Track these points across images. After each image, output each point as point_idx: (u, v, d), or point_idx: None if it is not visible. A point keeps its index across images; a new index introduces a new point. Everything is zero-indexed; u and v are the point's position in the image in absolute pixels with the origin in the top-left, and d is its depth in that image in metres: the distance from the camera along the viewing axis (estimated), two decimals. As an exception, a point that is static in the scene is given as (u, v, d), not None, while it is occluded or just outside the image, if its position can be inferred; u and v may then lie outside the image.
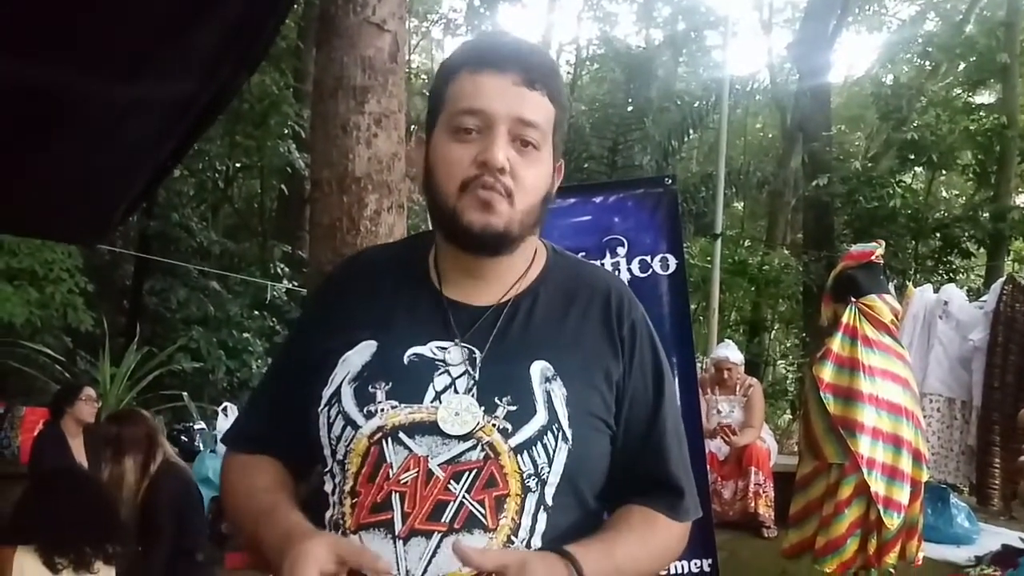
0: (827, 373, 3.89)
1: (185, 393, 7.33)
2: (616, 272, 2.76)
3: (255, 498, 1.08)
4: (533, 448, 1.00)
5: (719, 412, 5.72)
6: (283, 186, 10.97)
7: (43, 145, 3.11)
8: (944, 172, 13.35)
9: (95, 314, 7.45)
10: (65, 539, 2.54)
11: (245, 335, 9.06)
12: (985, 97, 13.77)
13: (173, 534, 3.26)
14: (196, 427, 6.08)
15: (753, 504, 5.39)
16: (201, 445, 5.68)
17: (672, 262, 2.82)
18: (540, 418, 1.01)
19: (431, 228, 1.16)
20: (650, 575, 1.10)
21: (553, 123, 1.08)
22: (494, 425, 1.00)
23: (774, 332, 16.02)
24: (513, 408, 1.01)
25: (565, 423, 1.02)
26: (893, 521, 3.71)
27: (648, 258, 2.82)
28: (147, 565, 3.16)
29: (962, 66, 13.59)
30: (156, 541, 3.25)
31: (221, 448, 2.43)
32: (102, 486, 2.98)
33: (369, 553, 0.94)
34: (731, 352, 6.00)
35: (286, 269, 10.13)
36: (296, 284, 9.67)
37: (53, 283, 7.04)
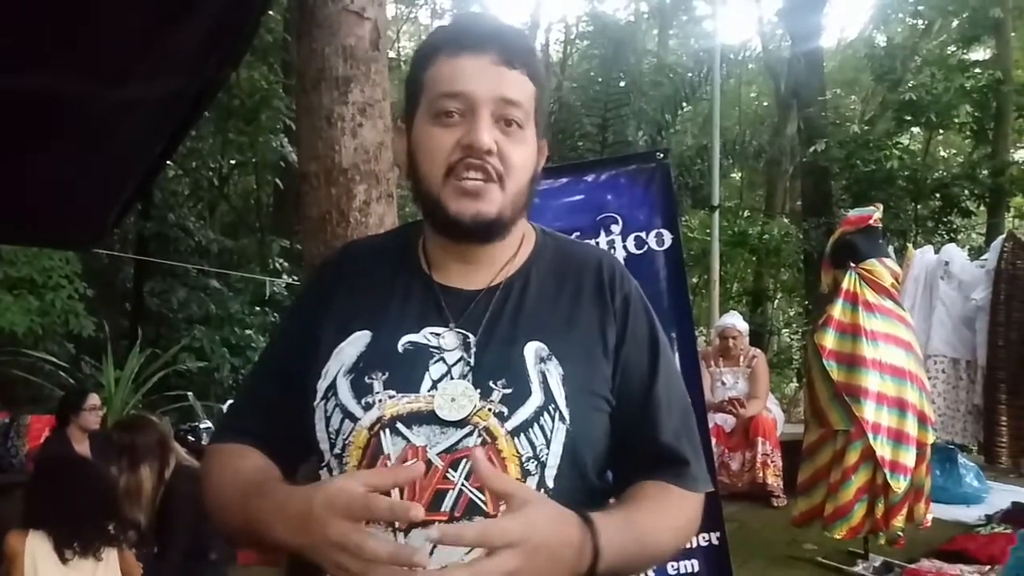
0: (829, 340, 3.90)
1: (190, 393, 7.35)
2: (612, 250, 2.74)
3: (242, 476, 1.04)
4: (530, 430, 0.99)
5: (724, 384, 5.73)
6: (278, 180, 10.93)
7: (32, 152, 3.09)
8: (941, 131, 13.28)
9: (96, 319, 7.46)
10: (68, 526, 2.66)
11: (247, 332, 9.07)
12: (979, 53, 13.67)
13: (189, 536, 3.28)
14: (203, 426, 6.08)
15: (761, 474, 5.41)
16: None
17: (668, 237, 2.79)
18: (536, 399, 1.00)
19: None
20: (675, 548, 1.07)
21: (535, 102, 1.07)
22: (490, 409, 0.99)
23: (777, 301, 16.00)
24: (508, 391, 1.00)
25: (562, 403, 1.00)
26: (900, 484, 3.72)
27: (643, 234, 2.80)
28: (163, 567, 3.19)
29: (955, 23, 13.49)
30: (172, 543, 3.27)
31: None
32: (99, 469, 3.05)
33: (398, 468, 0.93)
34: (736, 320, 6.01)
35: (285, 264, 10.13)
36: (296, 279, 9.66)
37: (53, 290, 7.05)
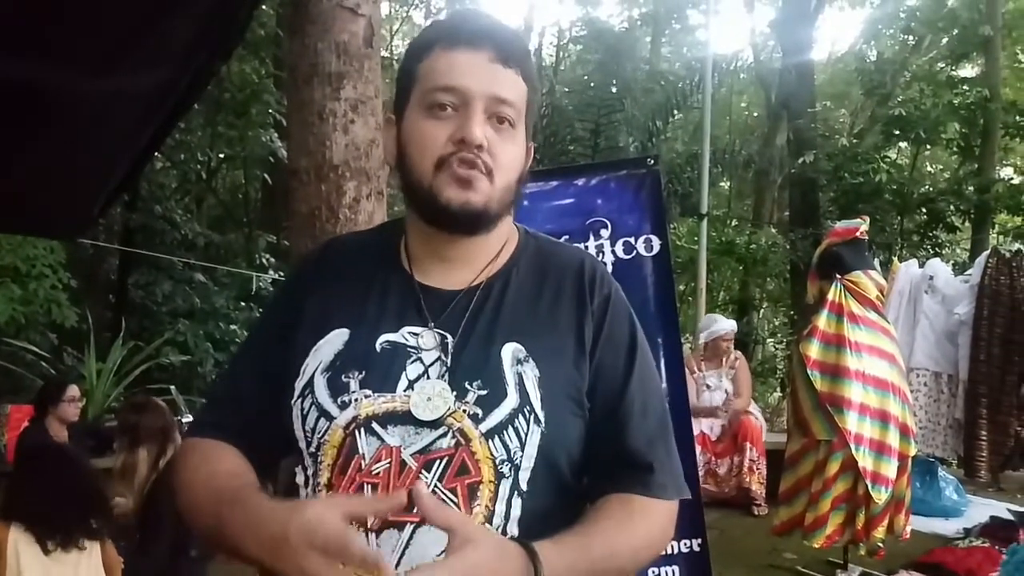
0: (814, 350, 3.91)
1: (173, 387, 7.29)
2: (600, 255, 2.75)
3: (216, 480, 1.02)
4: (504, 433, 0.98)
5: (709, 387, 5.80)
6: (266, 175, 10.87)
7: (19, 139, 3.06)
8: (929, 147, 13.38)
9: (80, 310, 7.38)
10: (50, 518, 2.62)
11: (232, 327, 9.01)
12: (968, 70, 13.79)
13: (172, 529, 3.26)
14: (185, 420, 6.04)
15: (748, 479, 5.46)
16: (190, 438, 5.65)
17: (656, 243, 2.80)
18: (511, 402, 0.99)
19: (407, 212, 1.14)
20: (642, 561, 1.04)
21: (526, 103, 1.07)
22: (464, 411, 0.99)
23: (762, 311, 16.07)
24: (483, 392, 0.99)
25: (537, 405, 1.00)
26: (881, 496, 3.74)
27: (632, 240, 2.80)
28: (144, 559, 3.15)
29: (945, 40, 13.61)
30: (156, 534, 3.24)
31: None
32: (81, 460, 3.02)
33: (378, 500, 0.93)
34: (730, 324, 6.10)
35: (271, 259, 10.08)
36: (282, 274, 9.61)
37: (36, 279, 6.97)
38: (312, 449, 1.02)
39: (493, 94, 1.02)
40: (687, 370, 5.66)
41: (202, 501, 1.02)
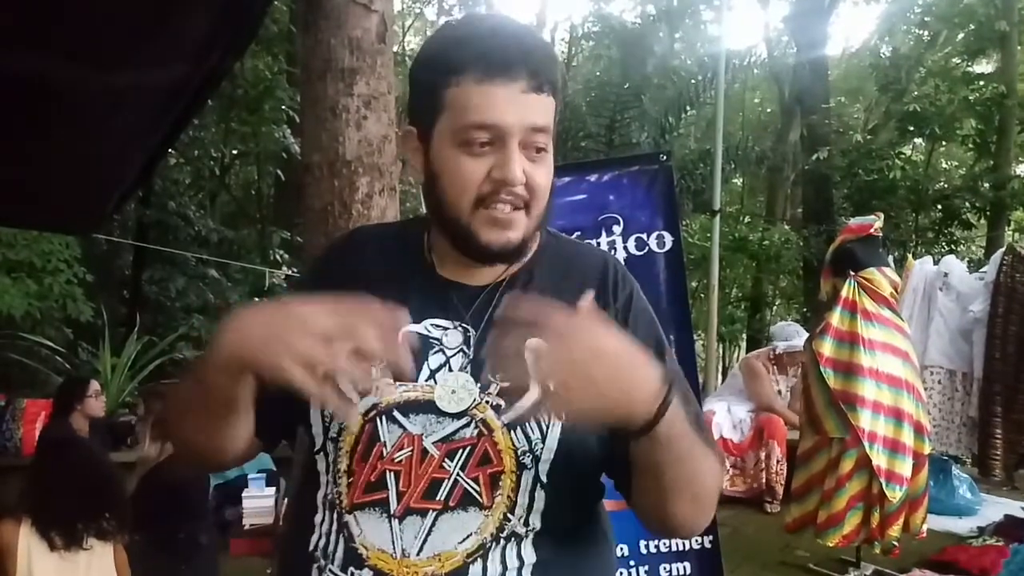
0: (827, 348, 3.89)
1: (187, 382, 7.32)
2: (612, 251, 2.75)
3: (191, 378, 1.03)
4: (526, 424, 1.00)
5: (779, 393, 5.95)
6: (279, 171, 10.90)
7: (34, 135, 3.09)
8: (944, 143, 13.29)
9: (95, 304, 7.43)
10: (55, 513, 2.60)
11: (246, 322, 9.04)
12: (984, 66, 13.67)
13: (180, 516, 3.29)
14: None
15: (773, 478, 5.51)
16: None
17: (668, 239, 2.79)
18: (533, 394, 1.00)
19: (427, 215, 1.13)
20: (708, 483, 1.00)
21: (554, 117, 1.06)
22: (487, 402, 1.00)
23: (775, 308, 16.01)
24: (506, 385, 1.00)
25: None
26: (895, 494, 3.72)
27: (644, 236, 2.80)
28: (150, 548, 3.17)
29: (961, 35, 13.50)
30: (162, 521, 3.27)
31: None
32: (102, 459, 3.01)
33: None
34: (803, 339, 6.08)
35: (285, 255, 10.10)
36: (295, 270, 9.64)
37: (51, 274, 7.02)
38: (332, 435, 1.03)
39: (529, 125, 0.99)
40: (762, 366, 5.89)
41: (179, 399, 1.04)
